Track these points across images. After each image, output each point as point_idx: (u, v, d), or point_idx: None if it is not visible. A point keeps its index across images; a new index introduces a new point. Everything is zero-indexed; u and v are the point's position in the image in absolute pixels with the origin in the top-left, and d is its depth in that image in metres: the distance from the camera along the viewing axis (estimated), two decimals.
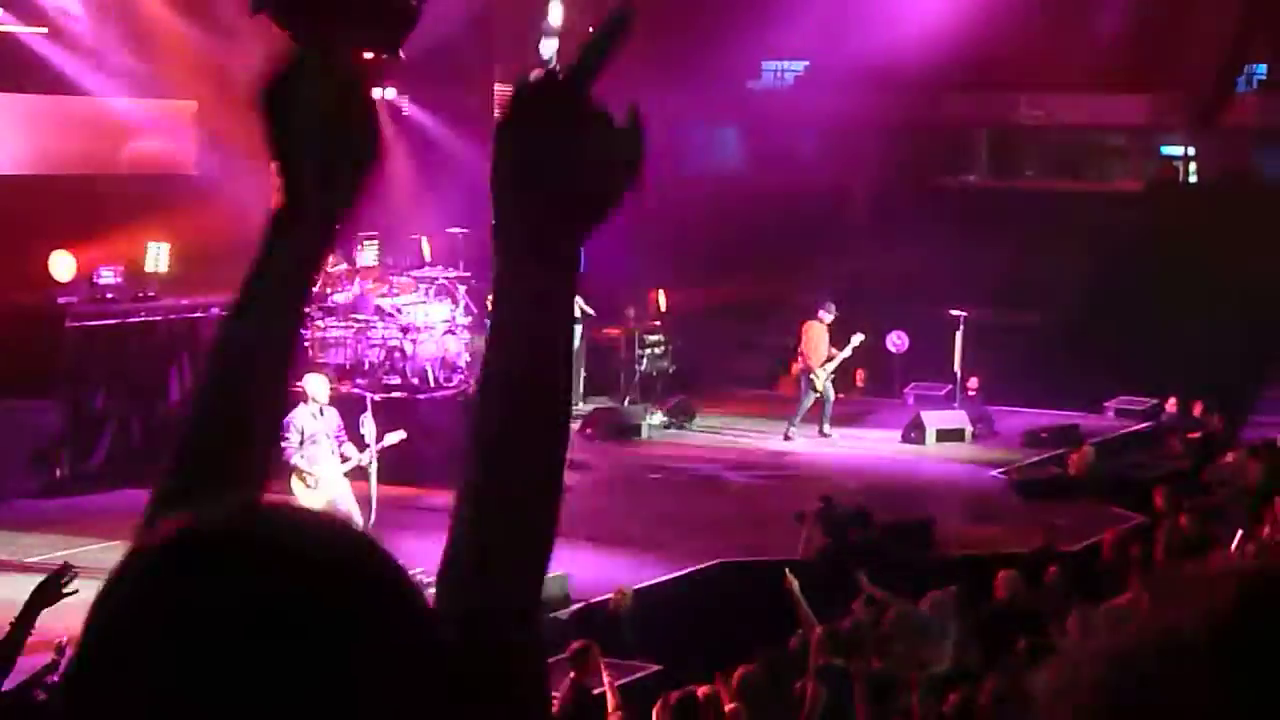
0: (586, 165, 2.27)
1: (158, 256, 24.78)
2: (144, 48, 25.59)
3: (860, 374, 29.57)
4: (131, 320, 23.64)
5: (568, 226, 2.29)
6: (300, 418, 17.39)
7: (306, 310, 2.58)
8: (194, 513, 1.63)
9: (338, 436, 17.58)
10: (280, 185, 2.41)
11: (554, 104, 2.25)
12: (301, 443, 17.31)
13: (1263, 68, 38.00)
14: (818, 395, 26.86)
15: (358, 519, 17.37)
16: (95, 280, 23.95)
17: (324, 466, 17.35)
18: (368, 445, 17.80)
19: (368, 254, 24.93)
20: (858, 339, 26.96)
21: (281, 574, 1.54)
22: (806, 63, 40.62)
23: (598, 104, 2.29)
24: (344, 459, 17.67)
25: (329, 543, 1.60)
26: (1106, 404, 28.99)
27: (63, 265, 23.88)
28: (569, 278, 2.33)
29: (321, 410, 17.52)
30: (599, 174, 2.30)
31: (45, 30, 24.77)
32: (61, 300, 23.37)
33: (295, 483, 17.33)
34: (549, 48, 32.14)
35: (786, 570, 14.55)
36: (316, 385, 17.66)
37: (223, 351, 2.42)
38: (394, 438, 17.97)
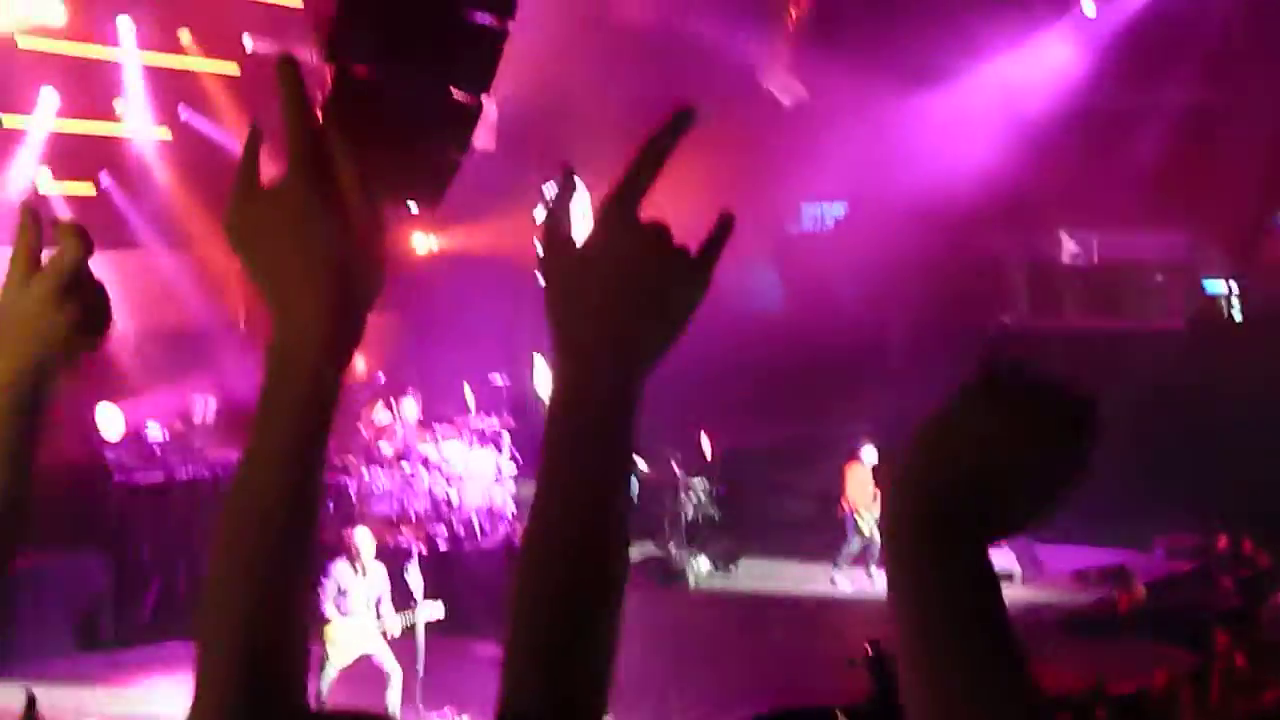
0: (641, 293, 2.19)
1: (205, 411, 24.90)
2: (191, 200, 25.85)
3: None
4: (178, 475, 23.72)
5: (625, 361, 2.24)
6: (340, 571, 17.42)
7: (322, 457, 2.55)
8: None
9: (379, 594, 17.56)
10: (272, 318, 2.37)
11: (602, 224, 2.18)
12: (338, 595, 17.33)
13: None
14: (863, 538, 26.77)
15: (395, 676, 17.33)
16: (142, 435, 24.07)
17: (357, 621, 17.33)
18: (413, 598, 17.75)
19: (411, 404, 24.99)
20: None
21: None
22: (845, 203, 40.83)
23: (652, 219, 2.20)
24: (388, 615, 17.61)
25: None
26: (1155, 542, 28.81)
27: (110, 420, 24.00)
28: (628, 417, 2.27)
29: (364, 566, 17.52)
30: (655, 302, 2.22)
31: (94, 191, 25.07)
32: (108, 455, 23.48)
33: (328, 632, 17.34)
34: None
35: (837, 712, 14.46)
36: (362, 539, 17.67)
37: (240, 506, 2.40)
38: (432, 613, 17.90)
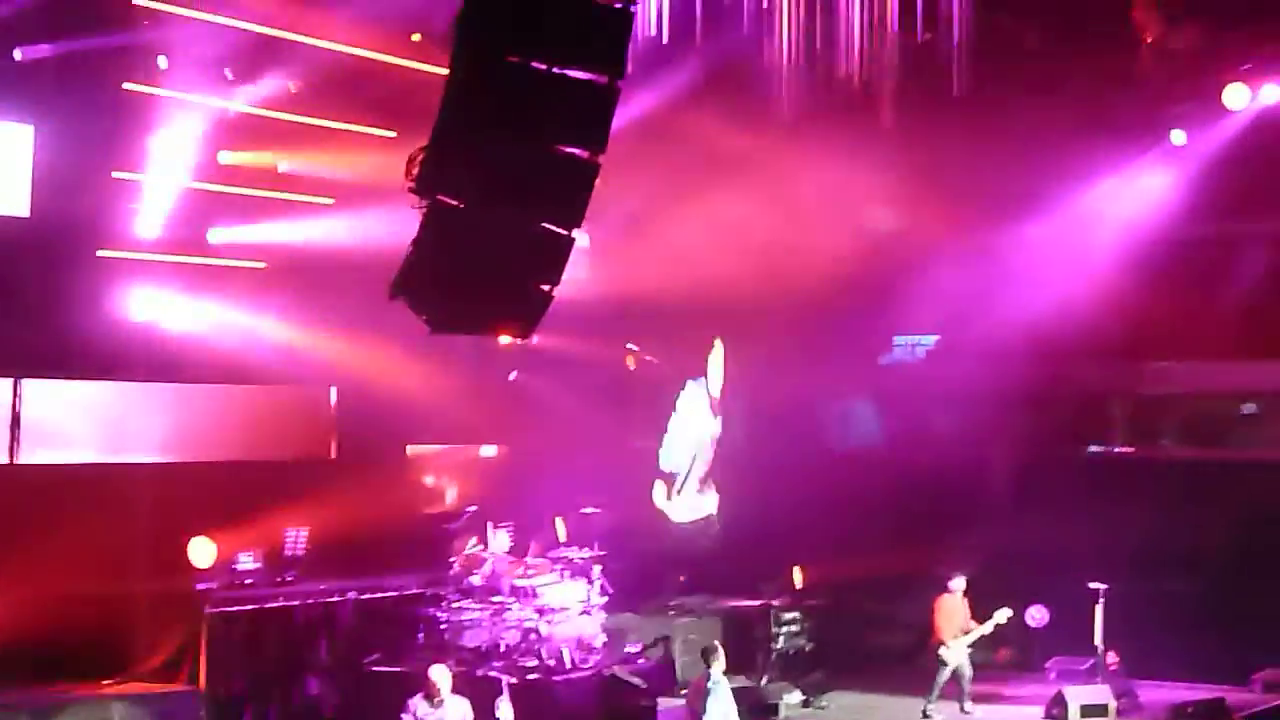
0: None
1: (296, 541, 24.97)
2: (287, 333, 26.05)
3: (1002, 650, 29.15)
4: (269, 605, 23.76)
5: None
6: (419, 705, 17.44)
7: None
8: None
9: None
10: None
11: None
12: None
13: None
14: (951, 670, 26.52)
15: None
16: (234, 566, 24.16)
17: None
18: None
19: (502, 536, 25.00)
20: (1002, 615, 26.57)
21: None
22: (937, 336, 40.74)
23: None
24: None
25: None
26: (1254, 676, 28.42)
27: (203, 551, 24.11)
28: None
29: (442, 701, 17.50)
30: None
31: (194, 328, 25.31)
32: (201, 586, 23.56)
33: None
34: None
35: None
36: (439, 676, 17.67)
37: None
38: None
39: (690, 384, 33.46)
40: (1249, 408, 40.38)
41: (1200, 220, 35.49)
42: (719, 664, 20.46)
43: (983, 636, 26.75)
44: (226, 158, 25.72)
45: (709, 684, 20.36)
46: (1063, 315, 32.72)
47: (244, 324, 25.76)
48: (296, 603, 24.04)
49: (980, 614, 26.63)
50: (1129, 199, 34.80)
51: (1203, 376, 37.76)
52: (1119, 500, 32.06)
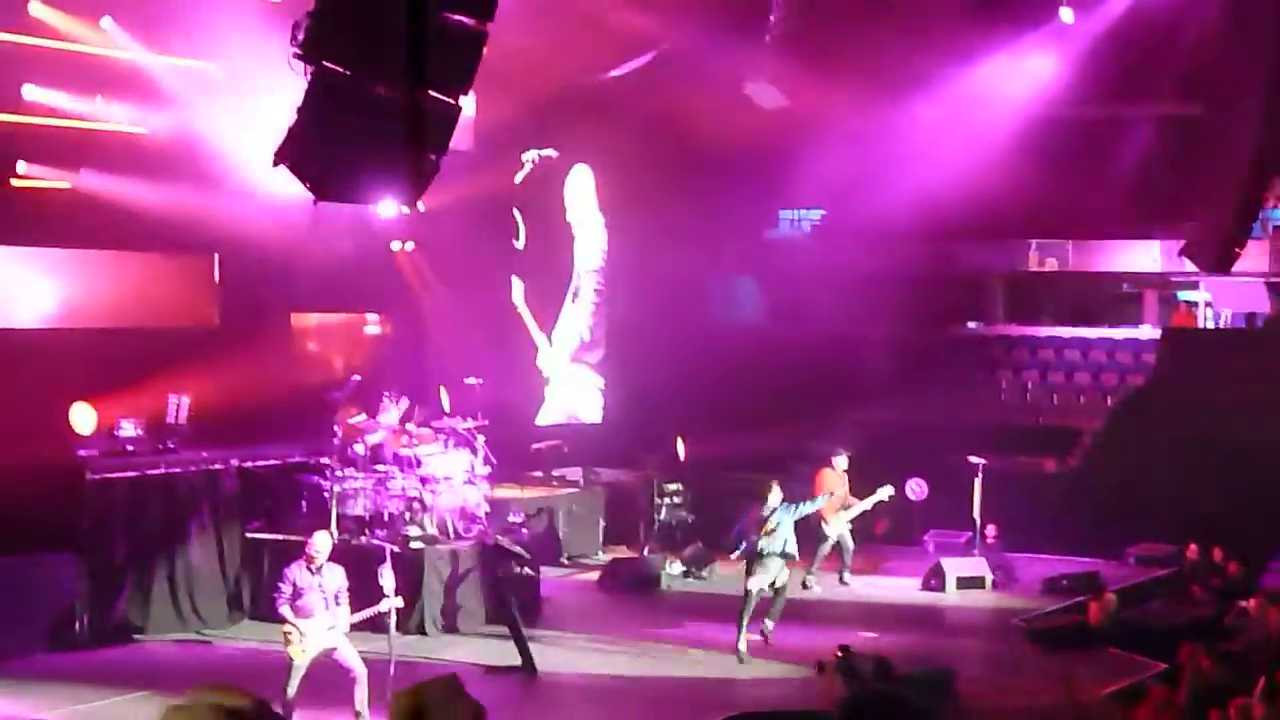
0: None
1: (178, 409, 24.85)
2: (170, 200, 25.78)
3: (880, 523, 29.48)
4: (151, 473, 23.66)
5: None
6: (295, 573, 17.46)
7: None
8: None
9: (338, 594, 17.56)
10: None
11: None
12: (294, 597, 17.36)
13: (1277, 213, 38.18)
14: (832, 543, 26.78)
15: (359, 669, 17.36)
16: (116, 433, 24.01)
17: (315, 621, 17.36)
18: (385, 596, 17.75)
19: (387, 405, 24.97)
20: (885, 492, 26.81)
21: None
22: (823, 211, 40.91)
23: None
24: (346, 612, 17.61)
25: None
26: (1127, 551, 28.88)
27: (83, 418, 23.95)
28: None
29: (321, 567, 17.53)
30: None
31: (68, 184, 25.00)
32: (82, 453, 23.42)
33: (287, 632, 17.38)
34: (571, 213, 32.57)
35: None
36: (319, 542, 17.67)
37: None
38: (390, 604, 17.88)
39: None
40: (1128, 287, 40.89)
41: (1087, 101, 35.77)
42: (775, 494, 21.94)
43: (862, 510, 27.00)
44: (108, 23, 25.35)
45: (764, 513, 21.72)
46: (947, 194, 32.95)
47: (125, 190, 25.46)
48: (178, 470, 23.91)
49: (861, 489, 26.85)
50: (1017, 78, 34.99)
51: (1084, 256, 38.18)
52: (998, 377, 32.41)
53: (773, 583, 21.84)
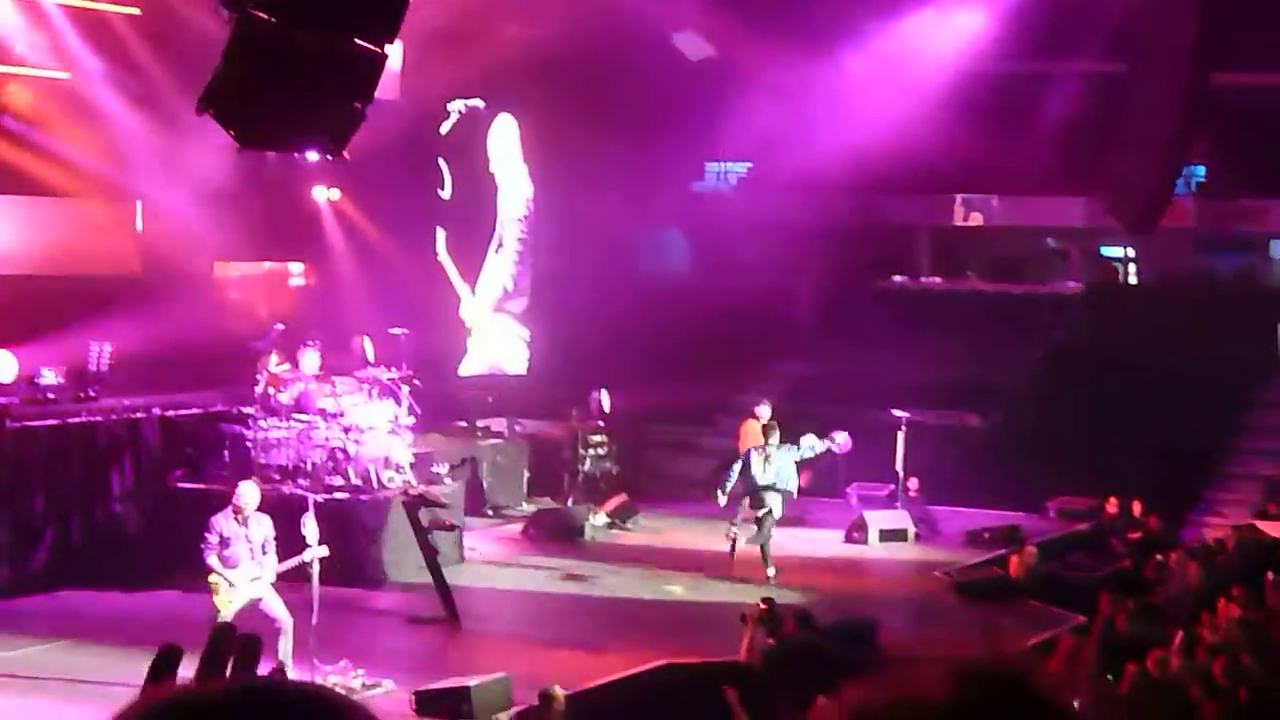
0: None
1: (100, 357, 24.68)
2: (91, 147, 25.57)
3: (803, 474, 29.56)
4: (72, 421, 23.51)
5: None
6: (222, 522, 17.39)
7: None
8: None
9: (264, 544, 17.51)
10: None
11: None
12: (220, 546, 17.30)
13: (1201, 170, 38.44)
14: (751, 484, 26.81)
15: (285, 620, 17.31)
16: (36, 381, 23.83)
17: (242, 571, 17.31)
18: (309, 547, 17.70)
19: (310, 355, 24.87)
20: (808, 444, 26.90)
21: None
22: (750, 164, 40.92)
23: None
24: (273, 562, 17.56)
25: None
26: (1048, 504, 29.07)
27: (3, 365, 23.76)
28: None
29: (247, 518, 17.47)
30: None
31: None
32: (1, 400, 23.24)
33: (213, 583, 17.32)
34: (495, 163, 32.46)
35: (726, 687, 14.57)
36: (246, 493, 17.61)
37: None
38: (317, 553, 17.84)
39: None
40: (1052, 242, 41.11)
41: (1014, 56, 35.85)
42: (775, 435, 24.47)
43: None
44: None
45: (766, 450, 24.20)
46: (874, 148, 32.96)
47: (46, 136, 25.25)
48: (99, 419, 23.78)
49: (785, 440, 26.90)
50: (945, 33, 35.04)
51: (1010, 211, 38.34)
52: (922, 332, 32.53)
53: (769, 511, 23.99)
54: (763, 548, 24.09)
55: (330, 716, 1.81)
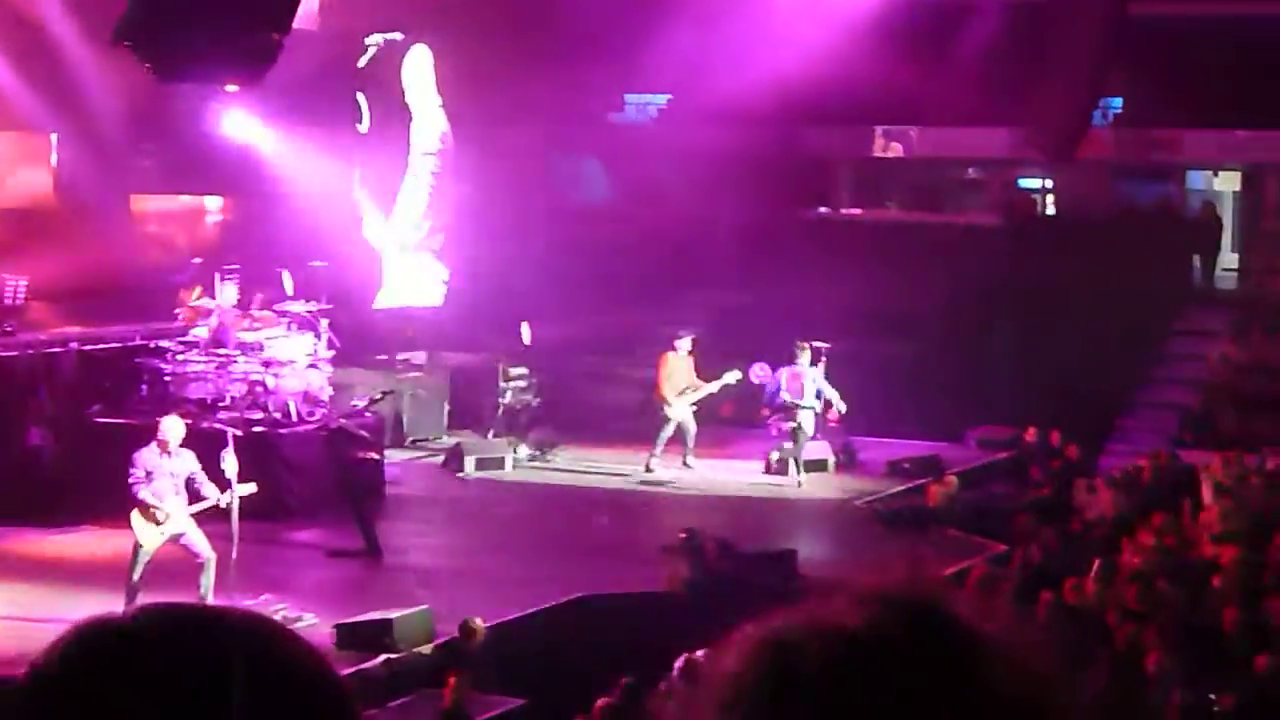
0: None
1: (15, 291, 24.49)
2: (2, 79, 25.31)
3: (725, 406, 29.63)
4: None
5: None
6: (146, 456, 17.33)
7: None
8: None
9: (189, 478, 17.47)
10: None
11: None
12: (146, 481, 17.26)
13: (1118, 101, 38.60)
14: (675, 425, 26.87)
15: (207, 554, 17.29)
16: None
17: (167, 506, 17.27)
18: (229, 481, 17.65)
19: (229, 288, 24.74)
20: (731, 377, 26.99)
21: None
22: (669, 96, 40.81)
23: None
24: (197, 499, 17.53)
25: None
26: (968, 434, 29.23)
27: None
28: None
29: (171, 452, 17.42)
30: None
31: None
32: None
33: (137, 517, 17.27)
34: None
35: None
36: (170, 427, 17.55)
37: None
38: (244, 490, 17.80)
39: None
40: (972, 173, 41.23)
41: None
42: (805, 355, 26.72)
43: (708, 395, 27.12)
44: None
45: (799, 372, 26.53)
46: (794, 78, 32.91)
47: None
48: (15, 353, 23.61)
49: (705, 372, 26.99)
50: None
51: (929, 142, 38.40)
52: (842, 262, 32.57)
53: (798, 427, 26.29)
54: (795, 459, 26.28)
55: (268, 641, 1.82)
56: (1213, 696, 11.92)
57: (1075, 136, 30.04)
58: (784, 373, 26.60)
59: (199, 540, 17.42)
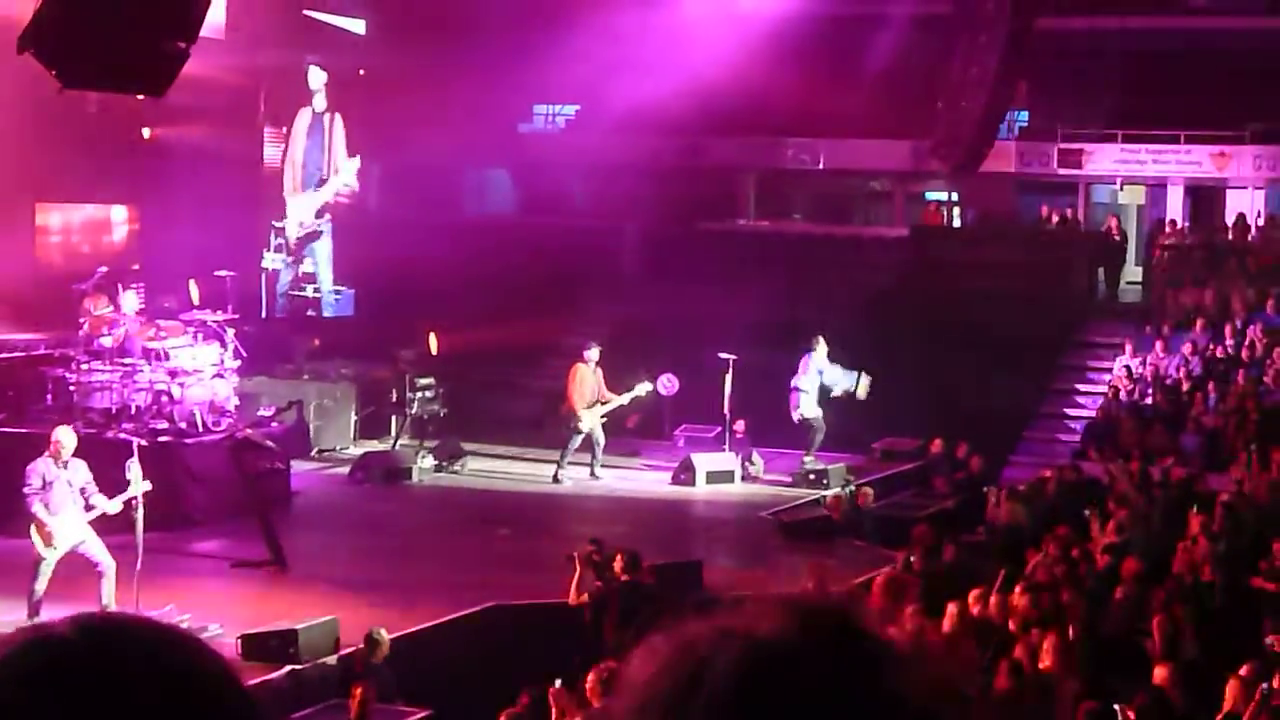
0: None
1: None
2: None
3: (632, 417, 29.68)
4: None
5: None
6: (41, 467, 17.25)
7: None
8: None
9: (84, 487, 17.37)
10: None
11: None
12: (42, 492, 17.17)
13: (1024, 114, 38.94)
14: (583, 437, 26.89)
15: (107, 563, 17.19)
16: None
17: (65, 516, 17.18)
18: (132, 490, 17.55)
19: (130, 296, 24.59)
20: (642, 389, 27.09)
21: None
22: (578, 107, 40.89)
23: None
24: (90, 508, 17.44)
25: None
26: (873, 445, 29.34)
27: None
28: None
29: (66, 462, 17.34)
30: None
31: None
32: None
33: (34, 531, 17.18)
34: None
35: None
36: (63, 437, 17.47)
37: None
38: (138, 489, 17.71)
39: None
40: (877, 185, 41.49)
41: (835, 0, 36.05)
42: (822, 348, 27.86)
43: (617, 406, 27.16)
44: None
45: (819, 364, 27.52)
46: (702, 90, 33.07)
47: None
48: None
49: (613, 383, 27.02)
50: None
51: (835, 154, 38.61)
52: (748, 274, 32.71)
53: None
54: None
55: (179, 653, 1.83)
56: (1116, 707, 12.02)
57: (980, 150, 30.26)
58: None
59: (98, 549, 17.31)
